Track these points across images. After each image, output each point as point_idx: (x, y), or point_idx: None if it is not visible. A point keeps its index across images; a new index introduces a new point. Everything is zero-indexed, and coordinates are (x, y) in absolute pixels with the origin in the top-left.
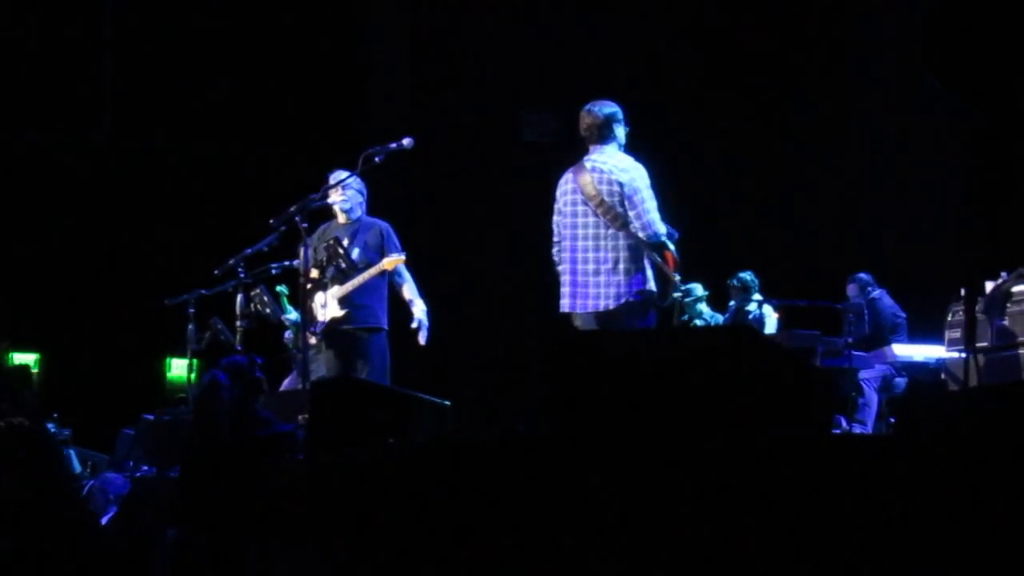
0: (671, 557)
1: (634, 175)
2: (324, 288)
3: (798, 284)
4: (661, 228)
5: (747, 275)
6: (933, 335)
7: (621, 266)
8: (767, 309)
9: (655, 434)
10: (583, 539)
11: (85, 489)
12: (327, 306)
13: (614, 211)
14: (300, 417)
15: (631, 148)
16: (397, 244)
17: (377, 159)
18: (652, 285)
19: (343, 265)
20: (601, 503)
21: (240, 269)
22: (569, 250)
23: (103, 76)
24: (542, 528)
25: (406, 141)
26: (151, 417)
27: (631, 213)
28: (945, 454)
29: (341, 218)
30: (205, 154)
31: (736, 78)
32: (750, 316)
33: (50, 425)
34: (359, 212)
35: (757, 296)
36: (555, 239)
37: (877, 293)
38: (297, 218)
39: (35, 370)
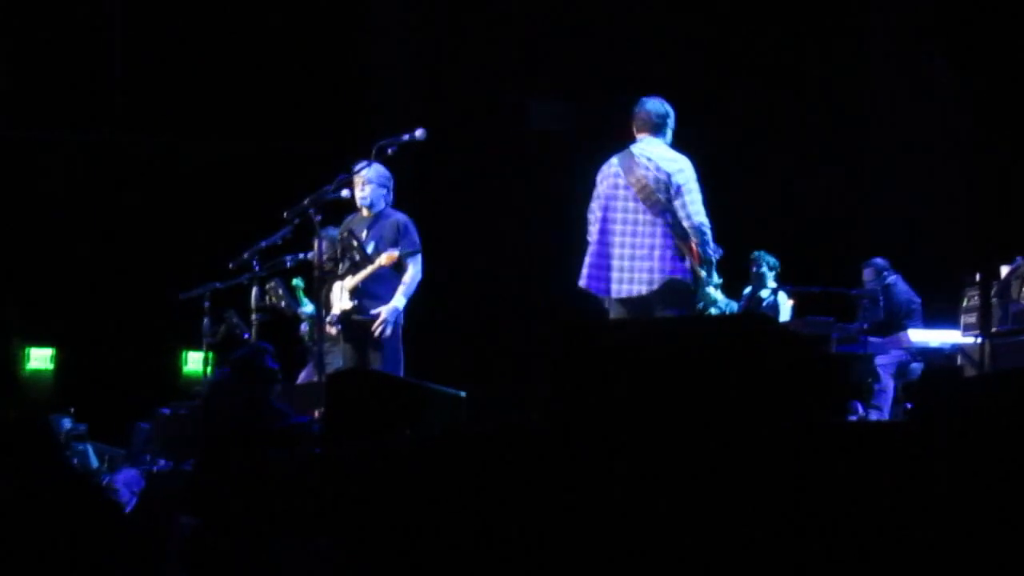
0: (687, 548)
1: (682, 166)
2: (340, 280)
3: (812, 270)
4: (705, 220)
5: (770, 258)
6: (948, 320)
7: (656, 252)
8: (781, 296)
9: (670, 424)
10: (596, 530)
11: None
12: (342, 298)
13: (655, 197)
14: (316, 412)
15: None
16: (413, 238)
17: (390, 150)
18: (687, 275)
19: (357, 257)
20: (614, 494)
21: (254, 262)
22: (606, 232)
23: (112, 71)
24: (555, 519)
25: (418, 132)
26: (167, 411)
27: (676, 203)
28: (962, 439)
29: (364, 211)
30: (217, 148)
31: (748, 67)
32: (764, 303)
33: (66, 420)
34: (382, 205)
35: (772, 283)
36: (592, 222)
37: (892, 279)
38: (311, 211)
39: (51, 366)
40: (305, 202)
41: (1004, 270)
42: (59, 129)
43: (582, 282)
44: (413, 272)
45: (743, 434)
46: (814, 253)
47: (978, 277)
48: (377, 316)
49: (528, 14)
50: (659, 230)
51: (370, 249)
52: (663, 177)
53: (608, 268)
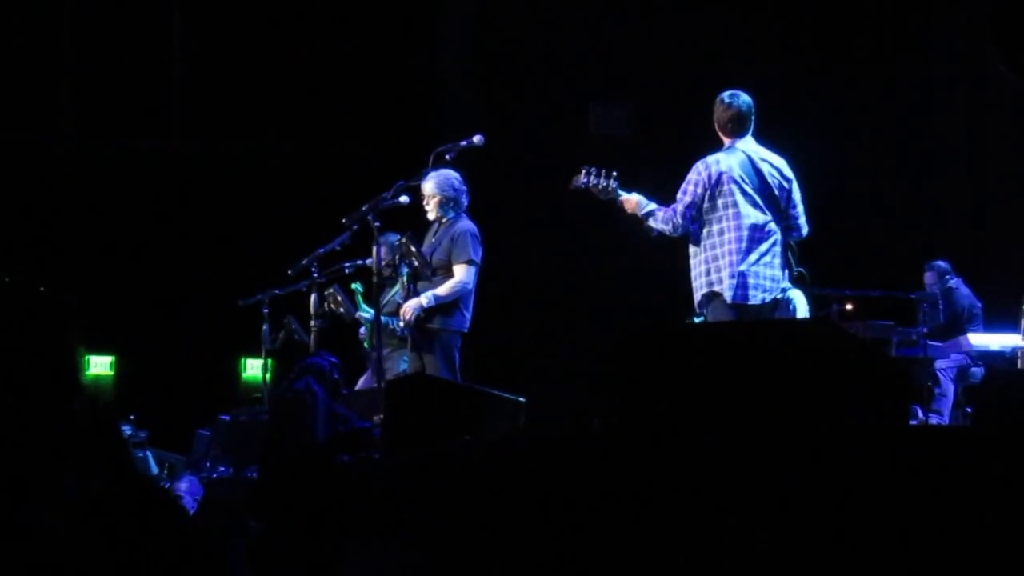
0: (749, 549)
1: (793, 174)
2: (399, 285)
3: (871, 272)
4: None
5: None
6: (1008, 324)
7: (777, 260)
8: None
9: (731, 426)
10: (659, 533)
11: None
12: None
13: (778, 205)
14: (376, 417)
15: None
16: (465, 248)
17: (448, 156)
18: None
19: (415, 263)
20: (676, 498)
21: (313, 268)
22: (741, 240)
23: (172, 78)
24: (619, 523)
25: (476, 138)
26: (227, 417)
27: (791, 211)
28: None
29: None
30: (276, 154)
31: (806, 68)
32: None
33: (126, 427)
34: (451, 213)
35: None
36: (686, 221)
37: (954, 282)
38: (370, 217)
39: (111, 372)
40: (364, 208)
41: None
42: (119, 137)
43: (729, 297)
44: (457, 280)
45: (803, 438)
46: (874, 257)
47: None
48: (436, 323)
49: (590, 16)
50: (777, 237)
51: (430, 254)
52: (786, 184)
53: (745, 275)
